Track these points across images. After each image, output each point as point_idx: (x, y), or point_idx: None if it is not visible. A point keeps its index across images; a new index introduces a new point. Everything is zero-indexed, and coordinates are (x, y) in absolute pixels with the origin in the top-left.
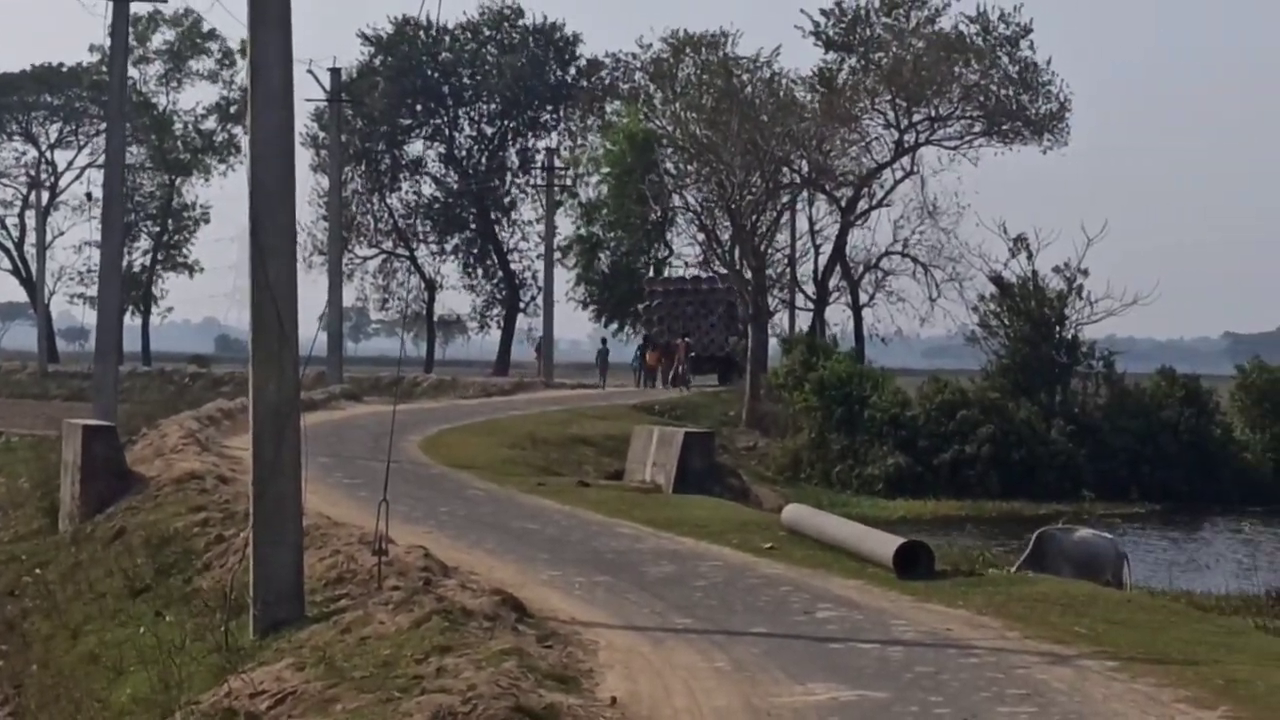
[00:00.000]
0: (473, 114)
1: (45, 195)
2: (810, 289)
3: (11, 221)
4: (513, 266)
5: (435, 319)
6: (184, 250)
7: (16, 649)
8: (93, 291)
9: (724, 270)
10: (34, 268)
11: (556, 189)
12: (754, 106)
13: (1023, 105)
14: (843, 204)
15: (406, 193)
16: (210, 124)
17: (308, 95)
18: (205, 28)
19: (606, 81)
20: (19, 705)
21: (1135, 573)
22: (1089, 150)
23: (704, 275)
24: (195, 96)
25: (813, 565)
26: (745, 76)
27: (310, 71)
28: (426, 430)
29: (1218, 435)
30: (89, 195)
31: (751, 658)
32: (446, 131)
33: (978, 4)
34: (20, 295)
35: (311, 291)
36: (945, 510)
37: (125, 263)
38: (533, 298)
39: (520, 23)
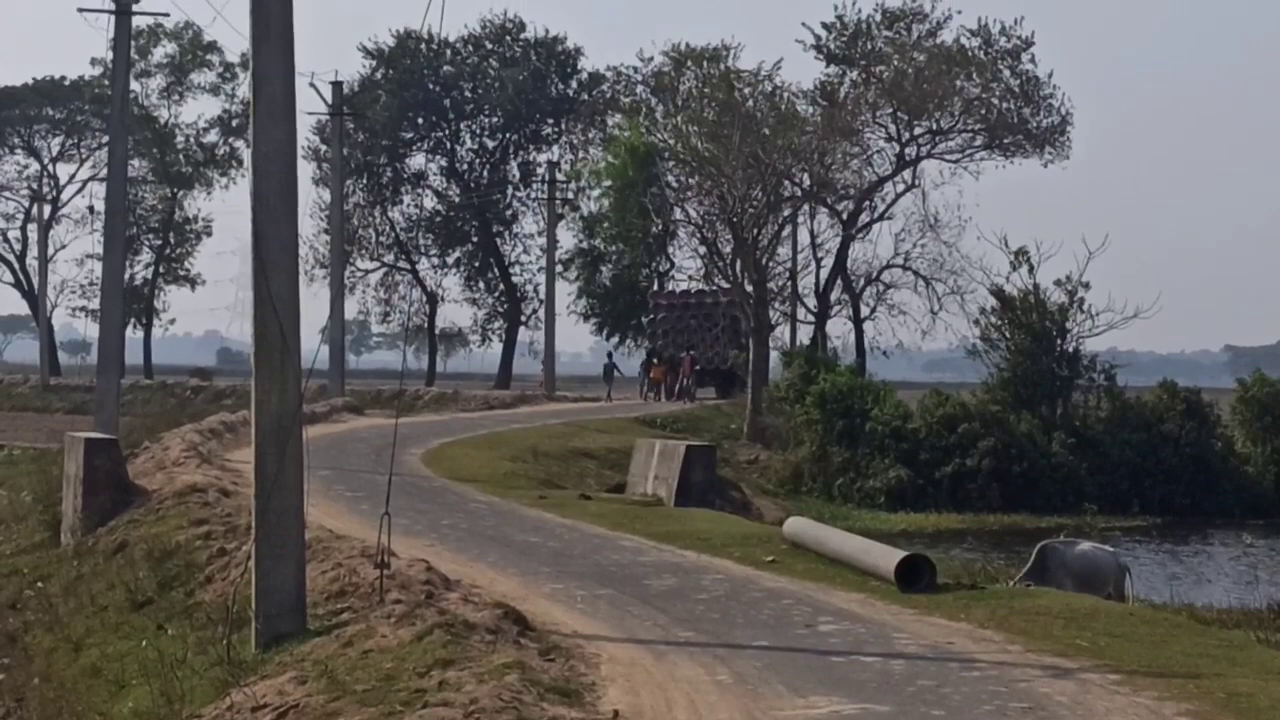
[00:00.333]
0: (474, 127)
1: (47, 208)
2: (811, 302)
3: (14, 235)
4: (514, 279)
5: (437, 332)
6: (186, 263)
7: (18, 662)
8: (95, 304)
9: (726, 284)
10: (36, 281)
11: (558, 202)
12: (755, 120)
13: (1024, 118)
14: (844, 217)
15: (408, 206)
16: (212, 137)
17: (310, 108)
18: (206, 40)
19: (608, 95)
20: (21, 718)
21: (1136, 586)
22: (1090, 163)
23: (708, 289)
24: (197, 110)
25: (815, 578)
26: (747, 90)
27: (312, 85)
28: (428, 443)
29: (1219, 448)
30: (91, 208)
31: (754, 671)
32: (448, 145)
33: (979, 17)
34: (22, 308)
35: (313, 304)
36: (946, 523)
37: (127, 276)
38: (534, 311)
39: (522, 36)
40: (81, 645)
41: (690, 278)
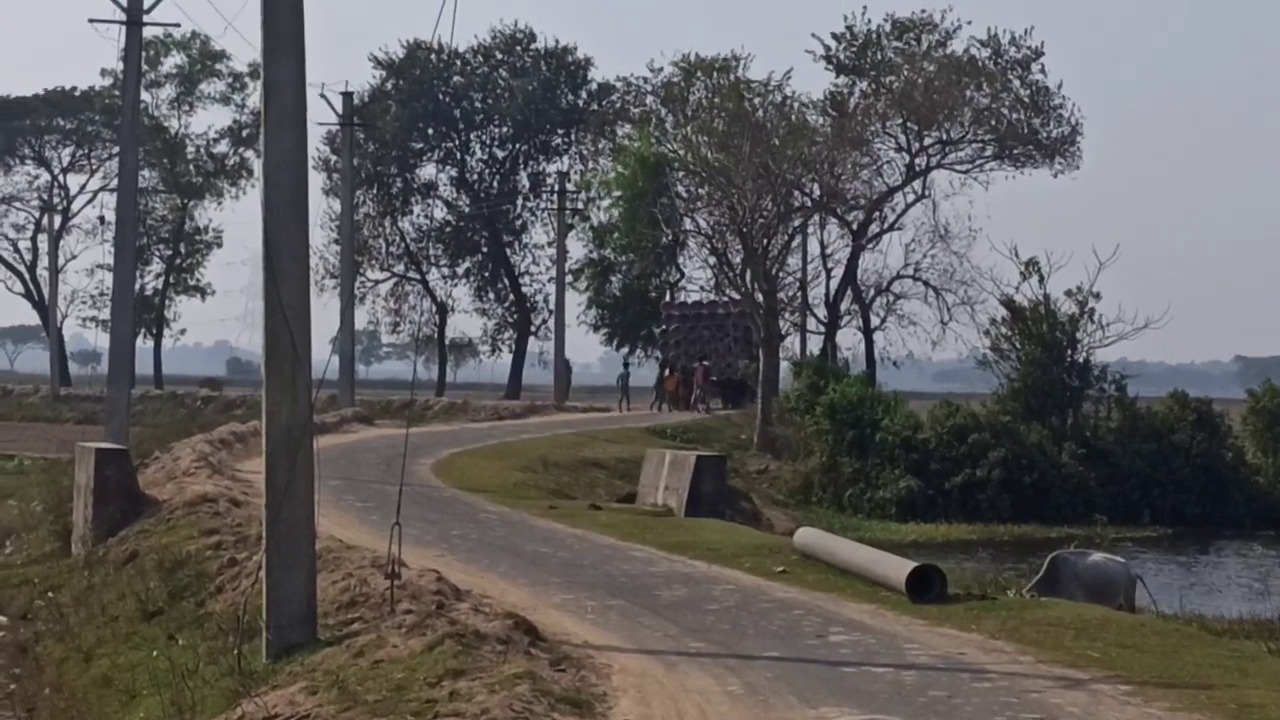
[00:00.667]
0: (484, 137)
1: (58, 219)
2: (822, 312)
3: (24, 245)
4: (524, 290)
5: (447, 342)
6: (196, 273)
7: (30, 672)
8: (105, 315)
9: (736, 294)
10: (46, 291)
11: (568, 212)
12: (765, 130)
13: (1034, 129)
14: (854, 227)
15: (418, 216)
16: (222, 147)
17: (320, 119)
18: (215, 49)
19: (618, 105)
20: None
21: (1147, 595)
22: (1101, 174)
23: (720, 300)
24: (207, 120)
25: (825, 589)
26: (756, 100)
27: (323, 95)
28: (438, 453)
29: (1229, 459)
30: (101, 219)
31: (764, 681)
32: (458, 155)
33: (989, 28)
34: (33, 318)
35: (323, 315)
36: (956, 534)
37: (138, 286)
38: (544, 321)
39: (532, 47)
40: (92, 655)
41: (701, 289)
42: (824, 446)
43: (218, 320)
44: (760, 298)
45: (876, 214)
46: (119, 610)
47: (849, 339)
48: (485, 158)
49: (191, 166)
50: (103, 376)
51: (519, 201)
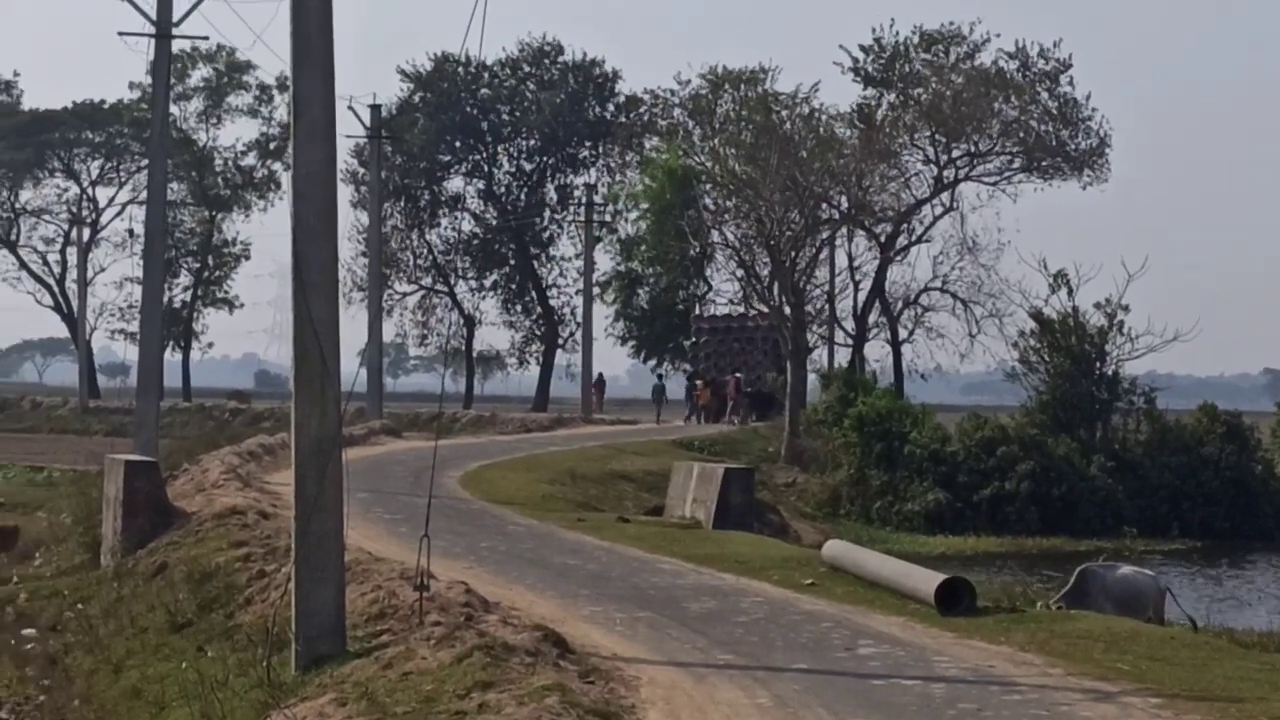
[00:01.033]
0: (512, 150)
1: (86, 232)
2: (849, 325)
3: (53, 258)
4: (552, 302)
5: (474, 355)
6: (224, 286)
7: (59, 683)
8: (133, 327)
9: (764, 306)
10: (75, 304)
11: (595, 225)
12: (793, 142)
13: (1062, 141)
14: (882, 240)
15: (446, 229)
16: (250, 160)
17: (348, 131)
18: (241, 59)
19: (645, 118)
20: None
21: (1176, 608)
22: (1130, 186)
23: (749, 313)
24: (235, 133)
25: (854, 601)
26: (784, 113)
27: (351, 108)
28: (466, 466)
29: (1259, 472)
30: (130, 232)
31: (793, 694)
32: (486, 168)
33: (1017, 40)
34: (62, 331)
35: (351, 327)
36: (985, 546)
37: (166, 298)
38: (571, 333)
39: (560, 60)
40: (122, 667)
41: (730, 301)
42: (852, 459)
43: (245, 333)
44: (788, 310)
45: (904, 226)
46: (148, 622)
47: (877, 351)
48: (513, 170)
49: (219, 179)
50: (131, 389)
51: (546, 214)
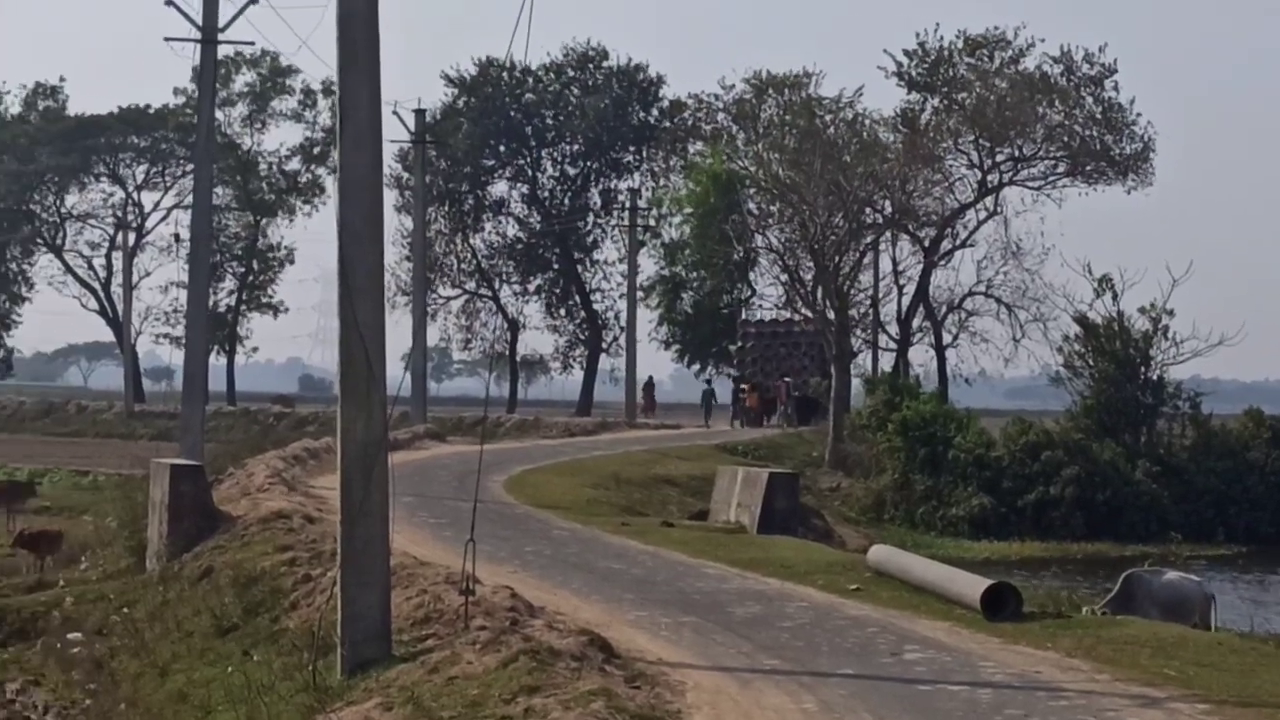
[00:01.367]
0: (556, 155)
1: (132, 236)
2: (893, 329)
3: (99, 262)
4: (595, 307)
5: (518, 359)
6: (269, 290)
7: (105, 687)
8: (178, 331)
9: (808, 311)
10: (120, 308)
11: (639, 229)
12: (837, 147)
13: (1107, 146)
14: (926, 244)
15: (489, 233)
16: (294, 164)
17: (392, 136)
18: (285, 63)
19: (689, 122)
20: None
21: (1221, 615)
22: (1174, 190)
23: (796, 317)
24: (279, 137)
25: (899, 606)
26: (828, 117)
27: (395, 113)
28: (510, 470)
29: None
30: (176, 236)
31: (839, 699)
32: (529, 172)
33: (1062, 44)
34: (107, 335)
35: (395, 331)
36: (1029, 552)
37: (211, 303)
38: (615, 338)
39: (604, 64)
40: (167, 671)
41: (774, 305)
42: (896, 464)
43: (289, 337)
44: (832, 315)
45: (948, 231)
46: (194, 626)
47: (921, 356)
48: (557, 175)
49: (264, 184)
50: (176, 393)
51: (590, 218)
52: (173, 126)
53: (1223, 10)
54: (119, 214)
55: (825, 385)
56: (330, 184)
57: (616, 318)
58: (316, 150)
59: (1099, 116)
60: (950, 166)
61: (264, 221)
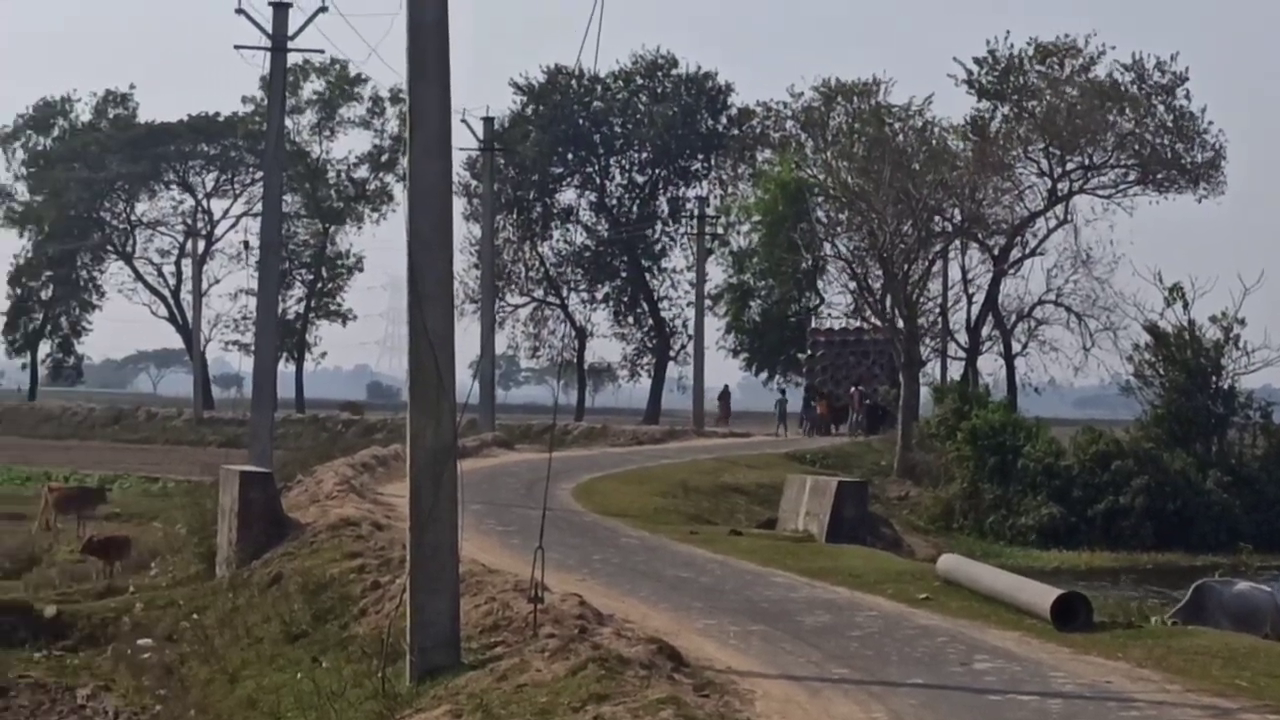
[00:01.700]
0: (624, 162)
1: (201, 244)
2: (962, 338)
3: (168, 270)
4: (663, 314)
5: (586, 367)
6: (337, 298)
7: (175, 693)
8: (247, 338)
9: (877, 320)
10: (190, 315)
11: (707, 237)
12: (906, 155)
13: (1178, 154)
14: (995, 253)
15: (557, 241)
16: (363, 172)
17: (461, 144)
18: (353, 73)
19: (758, 130)
20: None
21: None
22: (1246, 198)
23: (866, 326)
24: (348, 145)
25: (969, 616)
26: (897, 125)
27: (464, 121)
28: (578, 478)
29: None
30: (245, 243)
31: (909, 709)
32: (597, 180)
33: (1133, 53)
34: (176, 342)
35: (463, 339)
36: (1099, 561)
37: (280, 310)
38: (683, 346)
39: (673, 72)
40: (237, 677)
41: (843, 314)
42: (965, 473)
43: (357, 344)
44: (900, 323)
45: (1018, 239)
46: (263, 632)
47: (990, 365)
48: (625, 183)
49: (332, 191)
50: (245, 400)
51: (658, 226)
52: (242, 134)
53: None
54: (189, 221)
55: (894, 394)
56: (399, 191)
57: (684, 326)
58: (385, 158)
59: (1170, 125)
60: (1020, 174)
61: (332, 229)
